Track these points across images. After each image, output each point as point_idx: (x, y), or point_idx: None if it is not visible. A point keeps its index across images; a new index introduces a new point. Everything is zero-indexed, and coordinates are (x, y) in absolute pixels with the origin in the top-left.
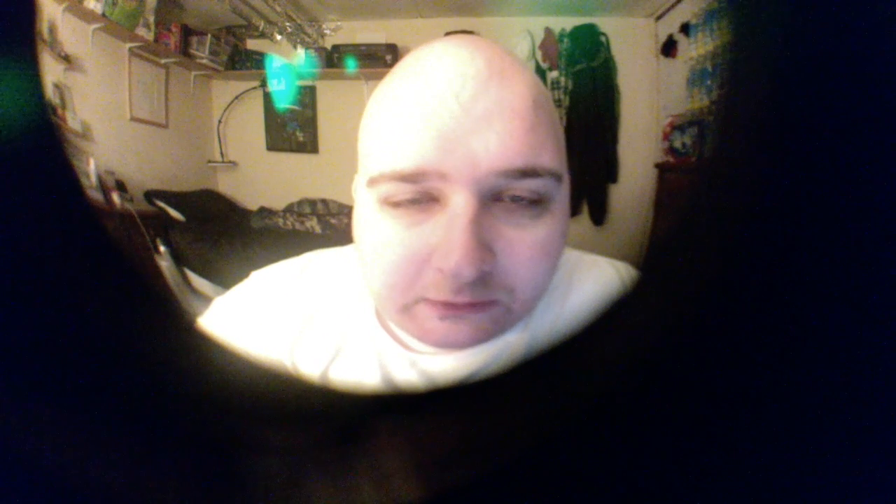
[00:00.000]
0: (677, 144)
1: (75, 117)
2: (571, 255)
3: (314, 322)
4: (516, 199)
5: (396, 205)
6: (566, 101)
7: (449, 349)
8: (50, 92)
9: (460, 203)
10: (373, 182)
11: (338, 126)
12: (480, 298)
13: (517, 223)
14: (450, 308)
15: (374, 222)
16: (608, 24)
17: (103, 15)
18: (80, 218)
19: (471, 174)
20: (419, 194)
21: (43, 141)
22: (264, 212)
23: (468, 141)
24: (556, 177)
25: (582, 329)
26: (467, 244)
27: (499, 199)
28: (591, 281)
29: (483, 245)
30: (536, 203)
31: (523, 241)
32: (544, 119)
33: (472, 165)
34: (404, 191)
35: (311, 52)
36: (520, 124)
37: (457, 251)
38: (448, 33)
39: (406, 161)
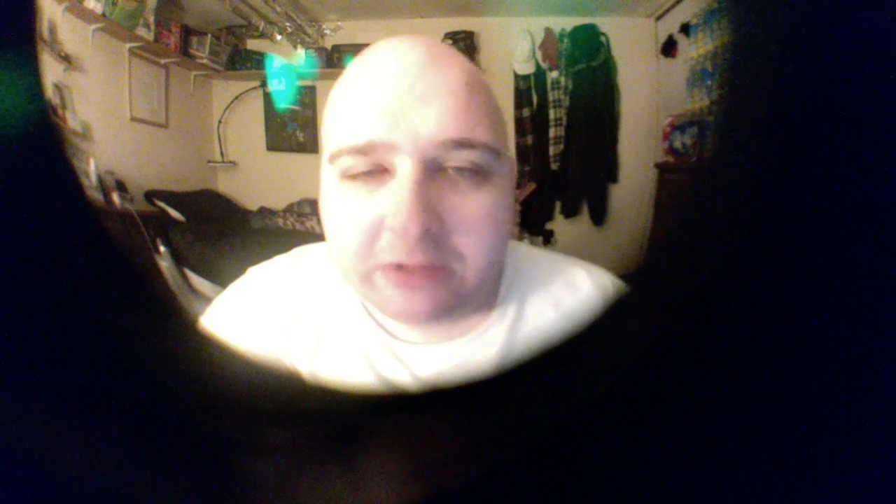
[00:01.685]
0: (677, 144)
1: (75, 117)
2: (566, 259)
3: (304, 312)
4: (458, 171)
5: (354, 177)
6: (566, 101)
7: (412, 321)
8: (50, 92)
9: (406, 169)
10: (333, 158)
11: None
12: (432, 261)
13: (460, 190)
14: (403, 273)
15: (335, 196)
16: (608, 24)
17: (103, 15)
18: (80, 218)
19: (414, 144)
20: (373, 165)
21: (43, 141)
22: (264, 212)
23: (411, 116)
24: (492, 151)
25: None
26: (412, 203)
27: (442, 169)
28: (588, 284)
29: (428, 206)
30: (476, 174)
31: (467, 207)
32: (479, 100)
33: (415, 137)
34: (360, 163)
35: (311, 52)
36: (454, 102)
37: (404, 210)
38: (448, 33)
39: (359, 136)
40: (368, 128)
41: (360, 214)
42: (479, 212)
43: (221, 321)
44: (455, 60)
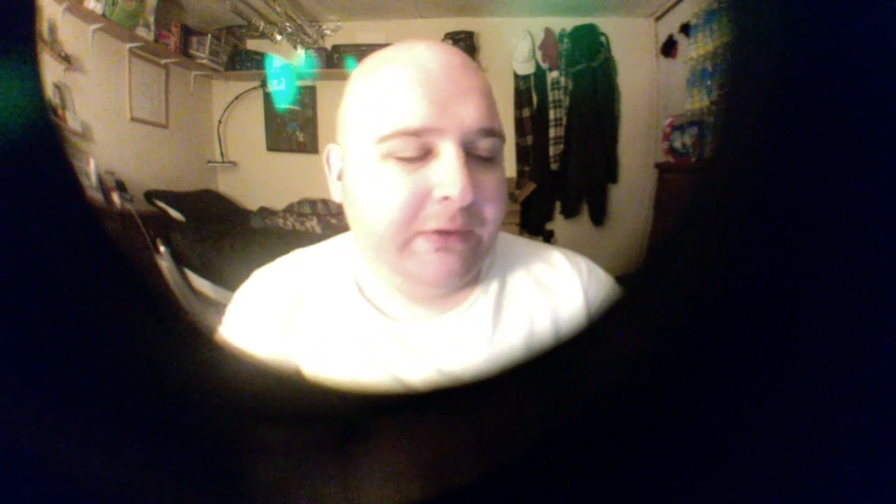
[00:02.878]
0: (677, 144)
1: (75, 117)
2: (545, 245)
3: (306, 307)
4: (477, 156)
5: (399, 157)
6: (566, 101)
7: (444, 282)
8: (50, 92)
9: (451, 150)
10: (383, 139)
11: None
12: (466, 226)
13: (480, 170)
14: (444, 237)
15: (374, 174)
16: (608, 24)
17: (103, 15)
18: (80, 218)
19: (459, 129)
20: (419, 147)
21: (43, 141)
22: (264, 212)
23: (455, 108)
24: (502, 138)
25: (582, 330)
26: (465, 176)
27: (468, 153)
28: (562, 261)
29: (472, 180)
30: (489, 160)
31: (487, 182)
32: (494, 100)
33: (459, 124)
34: (410, 144)
35: (311, 53)
36: (483, 100)
37: (460, 181)
38: (448, 33)
39: (414, 120)
40: (422, 114)
41: (408, 188)
42: (496, 185)
43: (233, 327)
44: (478, 68)
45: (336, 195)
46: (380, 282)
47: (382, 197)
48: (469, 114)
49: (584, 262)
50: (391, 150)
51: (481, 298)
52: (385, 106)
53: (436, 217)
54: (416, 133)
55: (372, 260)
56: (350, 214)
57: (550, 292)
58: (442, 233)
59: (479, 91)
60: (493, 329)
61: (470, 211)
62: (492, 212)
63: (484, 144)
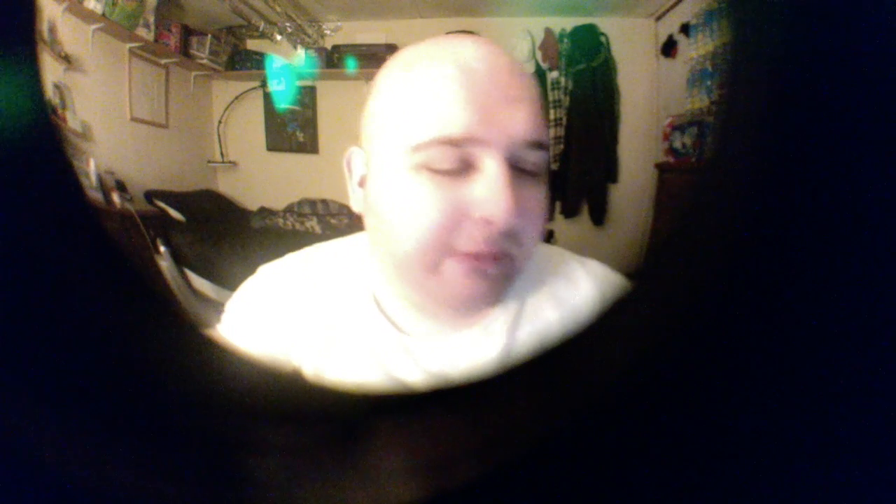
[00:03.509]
0: (677, 144)
1: (75, 117)
2: (565, 254)
3: (314, 309)
4: (522, 170)
5: (435, 169)
6: (566, 101)
7: (471, 306)
8: (50, 92)
9: (498, 164)
10: (418, 148)
11: (338, 126)
12: (502, 249)
13: (524, 186)
14: (477, 260)
15: (406, 187)
16: (608, 24)
17: (103, 15)
18: (80, 218)
19: (506, 141)
20: (459, 160)
21: (43, 141)
22: (264, 212)
23: (502, 116)
24: (548, 151)
25: (582, 330)
26: (510, 196)
27: (513, 167)
28: (585, 280)
29: (517, 199)
30: (534, 174)
31: (530, 200)
32: (543, 108)
33: (507, 135)
34: (448, 155)
35: (311, 53)
36: (533, 108)
37: (504, 201)
38: (448, 33)
39: (456, 128)
40: (465, 122)
41: (443, 205)
42: (539, 204)
43: (234, 323)
44: (526, 71)
45: (356, 204)
46: (396, 296)
47: (413, 214)
48: (517, 123)
49: (607, 276)
50: (426, 160)
51: (501, 317)
52: (421, 109)
53: (471, 239)
54: (456, 143)
55: (392, 275)
56: (371, 226)
57: (569, 313)
58: (476, 256)
59: (528, 97)
60: (508, 349)
61: (509, 232)
62: (531, 233)
63: (531, 158)
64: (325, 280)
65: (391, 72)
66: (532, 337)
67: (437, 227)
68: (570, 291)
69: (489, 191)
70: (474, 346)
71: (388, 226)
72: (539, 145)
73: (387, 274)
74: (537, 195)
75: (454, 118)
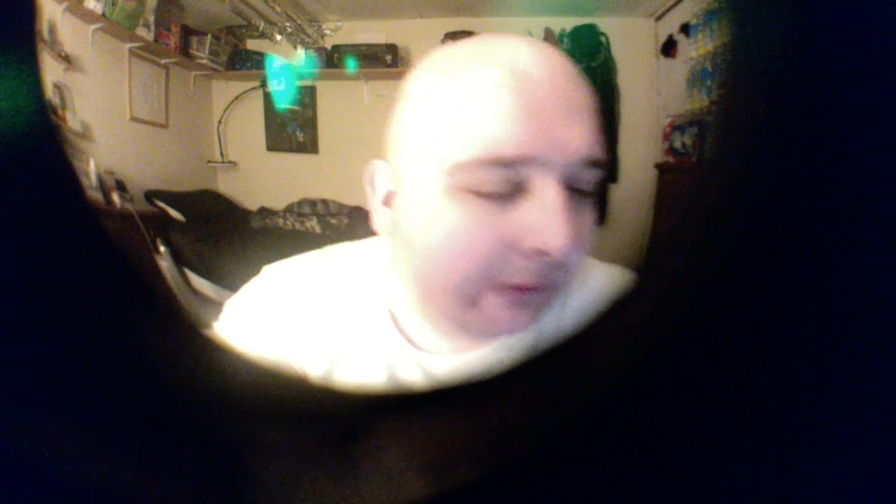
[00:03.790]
0: (677, 144)
1: (75, 117)
2: (587, 261)
3: (323, 320)
4: (576, 190)
5: (480, 192)
6: None
7: (507, 335)
8: (50, 92)
9: (554, 187)
10: (461, 168)
11: (338, 126)
12: (550, 278)
13: (578, 209)
14: (521, 292)
15: (446, 212)
16: (608, 24)
17: (103, 15)
18: (80, 218)
19: (563, 161)
20: (508, 182)
21: (43, 141)
22: (264, 212)
23: (562, 131)
24: (605, 169)
25: (583, 329)
26: (569, 224)
27: (568, 188)
28: (592, 281)
29: (574, 228)
30: (587, 194)
31: (583, 223)
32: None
33: (565, 153)
34: (496, 177)
35: (311, 53)
36: (593, 120)
37: (562, 231)
38: (448, 33)
39: (509, 147)
40: (521, 139)
41: (490, 235)
42: (589, 227)
43: (234, 323)
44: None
45: (379, 225)
46: (414, 312)
47: (453, 245)
48: (577, 140)
49: (620, 281)
50: (471, 182)
51: (527, 335)
52: (466, 123)
53: (518, 271)
54: (508, 163)
55: (414, 298)
56: (399, 251)
57: (587, 320)
58: (520, 287)
59: (587, 108)
60: (525, 363)
61: (563, 263)
62: (578, 258)
63: (587, 177)
64: (336, 288)
65: (426, 76)
66: (548, 347)
67: (482, 260)
68: (588, 299)
69: (544, 218)
70: (494, 362)
71: (422, 255)
72: (597, 163)
73: (407, 293)
74: (589, 218)
75: (507, 135)
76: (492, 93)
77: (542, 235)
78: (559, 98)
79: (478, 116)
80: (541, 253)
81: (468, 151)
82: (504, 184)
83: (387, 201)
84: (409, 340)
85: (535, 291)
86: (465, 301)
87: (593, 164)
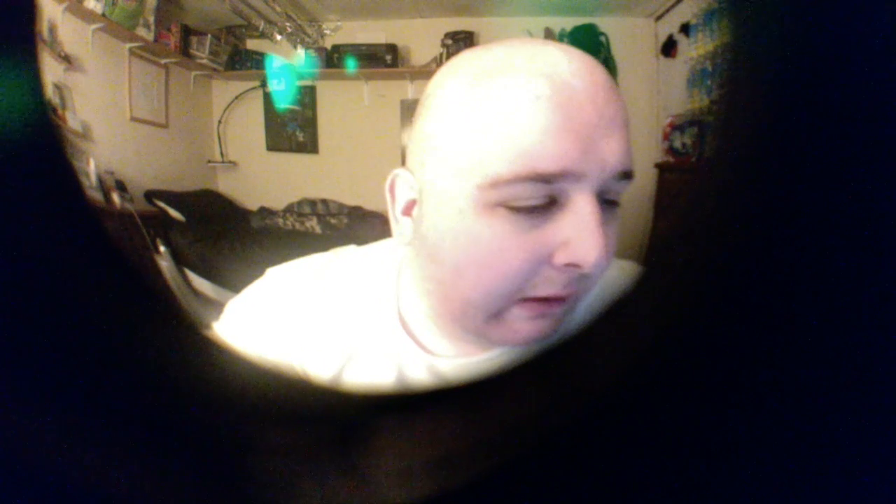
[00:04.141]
0: (677, 144)
1: (75, 117)
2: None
3: (330, 324)
4: (606, 200)
5: (514, 207)
6: None
7: (527, 345)
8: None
9: (589, 200)
10: (497, 184)
11: (338, 126)
12: (577, 289)
13: (608, 220)
14: (547, 304)
15: (479, 226)
16: (608, 24)
17: (103, 15)
18: (80, 218)
19: (599, 174)
20: (545, 196)
21: (43, 141)
22: (264, 212)
23: (601, 145)
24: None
25: (584, 328)
26: (604, 238)
27: (600, 199)
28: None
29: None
30: (615, 204)
31: (610, 234)
32: None
33: (603, 167)
34: (533, 192)
35: (311, 52)
36: (627, 131)
37: (597, 245)
38: (448, 33)
39: (551, 163)
40: (563, 155)
41: (524, 251)
42: (613, 241)
43: (237, 324)
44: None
45: (400, 236)
46: (425, 316)
47: (486, 261)
48: (615, 154)
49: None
50: (506, 197)
51: None
52: (503, 137)
53: (548, 283)
54: (548, 179)
55: (431, 309)
56: (421, 262)
57: (593, 313)
58: (546, 300)
59: (623, 120)
60: (528, 361)
61: (594, 275)
62: (603, 267)
63: (618, 188)
64: (344, 291)
65: (454, 83)
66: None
67: (516, 276)
68: (603, 296)
69: (581, 232)
70: (505, 365)
71: (449, 269)
72: (629, 175)
73: (420, 300)
74: (615, 227)
75: (549, 150)
76: (534, 106)
77: (579, 249)
78: (599, 112)
79: (518, 130)
80: (574, 266)
81: (506, 167)
82: (541, 198)
83: (407, 210)
84: (419, 343)
85: (561, 302)
86: (491, 315)
87: (625, 175)
